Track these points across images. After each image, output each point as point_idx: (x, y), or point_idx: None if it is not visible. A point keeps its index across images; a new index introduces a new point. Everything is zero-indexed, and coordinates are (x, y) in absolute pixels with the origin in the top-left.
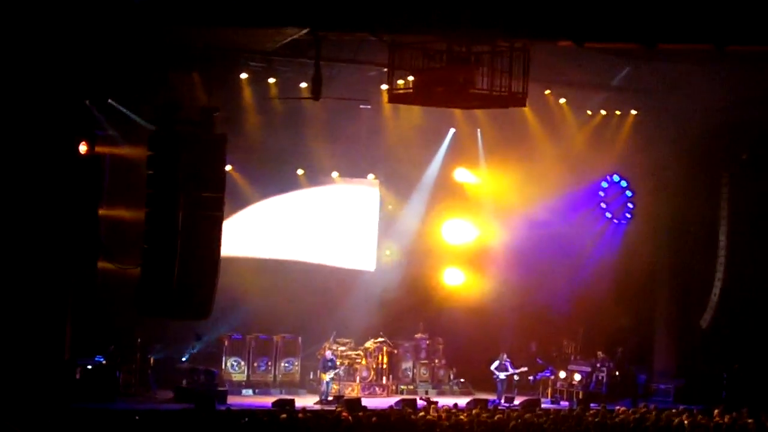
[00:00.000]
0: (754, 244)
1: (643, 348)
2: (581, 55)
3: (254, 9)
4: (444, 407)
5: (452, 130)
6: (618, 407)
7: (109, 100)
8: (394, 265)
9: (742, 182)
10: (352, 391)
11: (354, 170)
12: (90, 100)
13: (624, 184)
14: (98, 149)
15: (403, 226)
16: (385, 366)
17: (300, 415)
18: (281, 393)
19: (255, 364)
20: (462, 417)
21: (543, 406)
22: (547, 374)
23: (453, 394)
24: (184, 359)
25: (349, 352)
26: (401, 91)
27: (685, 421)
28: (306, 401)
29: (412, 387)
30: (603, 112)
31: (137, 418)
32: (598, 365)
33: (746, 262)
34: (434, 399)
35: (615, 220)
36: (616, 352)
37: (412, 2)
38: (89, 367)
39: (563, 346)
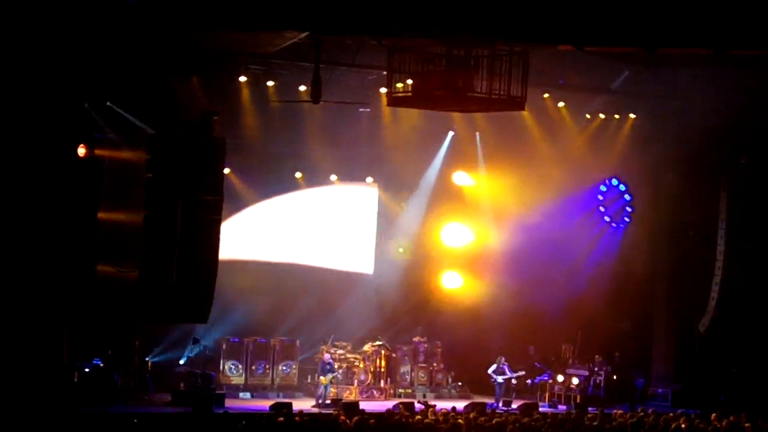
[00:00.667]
0: (752, 249)
1: (641, 352)
2: (581, 59)
3: (254, 12)
4: (442, 411)
5: (451, 134)
6: (616, 411)
7: (109, 104)
8: (398, 262)
9: (741, 187)
10: (349, 394)
11: (353, 173)
12: (89, 103)
13: (622, 188)
14: (97, 152)
15: (402, 230)
16: (383, 369)
17: (297, 418)
18: (279, 396)
19: (253, 368)
20: (460, 420)
21: (541, 409)
22: (545, 378)
23: (451, 397)
24: (181, 362)
25: (347, 356)
26: (400, 95)
27: (683, 425)
28: (303, 404)
29: (410, 390)
30: (602, 116)
31: (135, 421)
32: (596, 369)
33: (744, 266)
34: (432, 402)
35: (613, 224)
36: (614, 356)
37: (412, 6)
38: (87, 370)
39: (561, 350)
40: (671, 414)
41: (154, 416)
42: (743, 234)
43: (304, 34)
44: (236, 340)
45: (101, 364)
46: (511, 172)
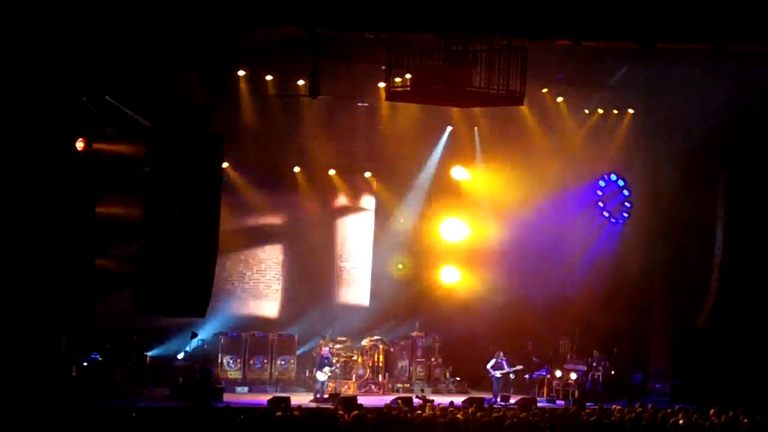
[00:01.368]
0: (750, 245)
1: (639, 347)
2: (579, 54)
3: (252, 7)
4: (440, 405)
5: (449, 128)
6: (614, 406)
7: (107, 97)
8: (396, 257)
9: (739, 183)
10: (347, 389)
11: (351, 168)
12: (87, 97)
13: (621, 183)
14: (95, 146)
15: (400, 224)
16: (381, 364)
17: (296, 413)
18: (277, 391)
19: (251, 362)
20: (458, 415)
21: (539, 405)
22: (543, 373)
23: (449, 392)
24: (180, 357)
25: (345, 351)
26: (399, 89)
27: (681, 421)
28: (301, 399)
29: (408, 385)
30: (600, 111)
31: (134, 415)
32: (594, 364)
33: (742, 262)
34: (430, 397)
35: (612, 220)
36: (612, 352)
37: (410, 0)
38: (85, 364)
39: (559, 345)
40: (669, 409)
41: (152, 410)
42: (741, 229)
43: (302, 29)
44: (235, 334)
45: (99, 359)
46: (510, 167)
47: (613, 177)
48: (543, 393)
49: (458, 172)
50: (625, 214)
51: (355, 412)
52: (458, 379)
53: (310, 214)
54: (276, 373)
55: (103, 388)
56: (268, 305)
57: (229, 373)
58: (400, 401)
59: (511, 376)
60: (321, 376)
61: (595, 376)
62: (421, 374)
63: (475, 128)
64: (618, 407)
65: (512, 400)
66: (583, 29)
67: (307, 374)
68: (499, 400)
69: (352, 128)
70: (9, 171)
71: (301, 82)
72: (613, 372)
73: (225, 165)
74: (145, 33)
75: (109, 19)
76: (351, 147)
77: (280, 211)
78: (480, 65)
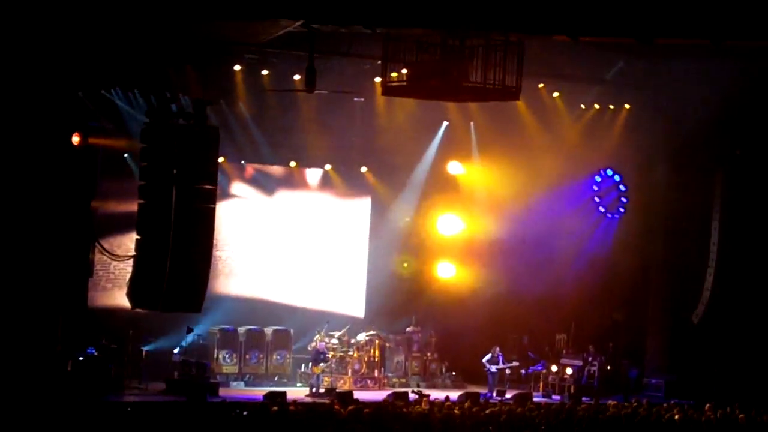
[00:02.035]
0: (746, 240)
1: (635, 342)
2: (575, 49)
3: (248, 1)
4: (436, 400)
5: (445, 123)
6: (609, 401)
7: (102, 92)
8: (391, 252)
9: (736, 178)
10: (343, 384)
11: (347, 162)
12: (83, 91)
13: (617, 178)
14: (91, 141)
15: (396, 219)
16: (377, 359)
17: (291, 407)
18: (273, 385)
19: (247, 357)
20: (454, 410)
21: (535, 399)
22: (539, 368)
23: (445, 387)
24: (176, 351)
25: (341, 345)
26: (395, 84)
27: (677, 416)
28: (297, 394)
29: (404, 380)
30: (596, 106)
31: (129, 410)
32: (590, 359)
33: (738, 257)
34: (426, 392)
35: (608, 215)
36: (608, 347)
37: None
38: (81, 359)
39: (555, 340)
40: (665, 405)
41: (148, 405)
42: (737, 225)
43: (298, 23)
44: (230, 329)
45: (95, 353)
46: (506, 162)
47: (609, 172)
48: (539, 388)
49: (454, 167)
50: (621, 209)
51: (351, 407)
52: (454, 373)
53: (306, 208)
54: (272, 368)
55: (98, 383)
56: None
57: (224, 367)
58: (395, 396)
59: (507, 371)
60: (316, 370)
61: (591, 371)
62: (417, 369)
63: (472, 123)
64: (613, 402)
65: (508, 395)
66: (579, 24)
67: (303, 369)
68: (494, 394)
69: (348, 123)
70: (4, 166)
71: (297, 77)
72: (608, 367)
73: (221, 159)
74: (140, 27)
75: (104, 13)
76: (347, 142)
77: (276, 205)
78: (476, 60)
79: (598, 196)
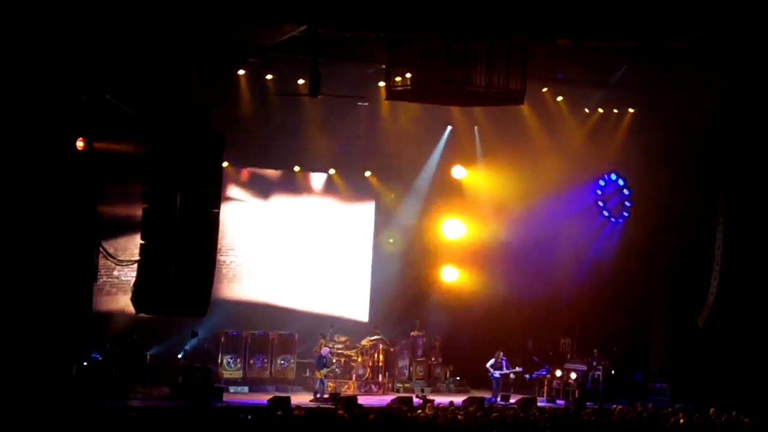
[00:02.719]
0: (750, 244)
1: (639, 347)
2: (579, 53)
3: (253, 6)
4: (440, 405)
5: (449, 128)
6: (614, 406)
7: (107, 96)
8: (395, 256)
9: (739, 182)
10: (347, 388)
11: (351, 167)
12: (88, 96)
13: (621, 182)
14: (96, 145)
15: (400, 223)
16: (381, 364)
17: (295, 412)
18: (277, 390)
19: (251, 361)
20: (458, 415)
21: (539, 404)
22: (543, 373)
23: (449, 392)
24: (180, 356)
25: (345, 350)
26: (399, 88)
27: (681, 420)
28: (301, 399)
29: (408, 385)
30: (600, 111)
31: (134, 414)
32: (595, 364)
33: (742, 261)
34: (430, 397)
35: (612, 219)
36: (612, 351)
37: (411, 0)
38: (85, 363)
39: (560, 345)
40: (669, 409)
41: (152, 410)
42: (741, 229)
43: (302, 28)
44: (234, 333)
45: (99, 358)
46: (510, 166)
47: (613, 176)
48: (543, 392)
49: (458, 171)
50: (625, 213)
51: (356, 412)
52: (458, 378)
53: (310, 213)
54: (276, 373)
55: (103, 388)
56: (267, 304)
57: (229, 372)
58: (399, 401)
59: (511, 376)
60: (320, 375)
61: (595, 376)
62: (421, 374)
63: (476, 127)
64: (618, 407)
65: (512, 400)
66: (583, 28)
67: (307, 374)
68: (499, 399)
69: (353, 127)
70: (9, 170)
71: (301, 81)
72: (613, 371)
73: (225, 164)
74: (145, 32)
75: (109, 18)
76: (351, 146)
77: (280, 210)
78: (480, 64)
79: (602, 200)
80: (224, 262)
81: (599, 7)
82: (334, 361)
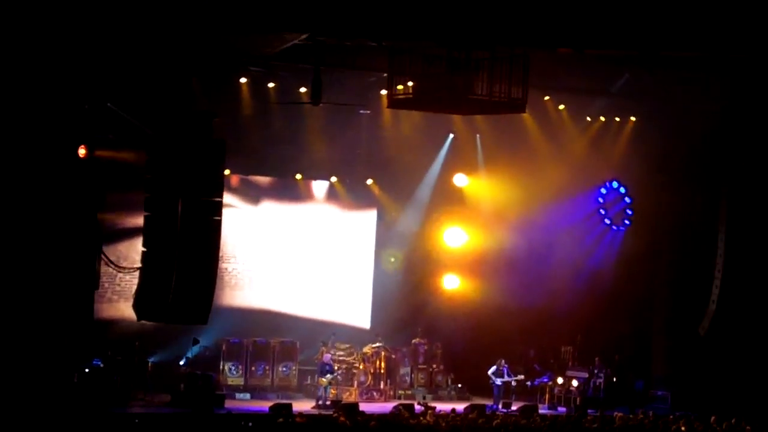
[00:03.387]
0: (752, 252)
1: (640, 354)
2: (581, 61)
3: (254, 14)
4: (442, 412)
5: (451, 136)
6: (615, 413)
7: (109, 104)
8: (397, 272)
9: (741, 189)
10: (349, 395)
11: (353, 175)
12: (90, 104)
13: (623, 190)
14: (97, 153)
15: (402, 231)
16: (382, 371)
17: (297, 419)
18: (278, 397)
19: (252, 369)
20: (459, 422)
21: (540, 411)
22: (545, 380)
23: (451, 399)
24: (181, 363)
25: (347, 357)
26: (401, 97)
27: (683, 428)
28: (303, 406)
29: (409, 392)
30: (602, 119)
31: (137, 421)
32: (596, 371)
33: (744, 269)
34: (432, 404)
35: (614, 227)
36: (613, 358)
37: (412, 8)
38: (87, 370)
39: (561, 352)
40: (671, 416)
41: (153, 417)
42: (743, 237)
43: (304, 36)
44: (236, 341)
45: (101, 365)
46: (512, 175)
47: (615, 184)
48: (544, 400)
49: (460, 180)
50: (627, 221)
51: (357, 419)
52: (460, 385)
53: (312, 220)
54: (278, 380)
55: (104, 395)
56: (269, 311)
57: (230, 379)
58: (401, 408)
59: (513, 383)
60: (323, 382)
61: (597, 383)
62: (423, 381)
63: (477, 136)
64: (619, 414)
65: (514, 407)
66: (584, 37)
67: (309, 381)
68: (500, 406)
69: (354, 135)
70: (11, 178)
71: (303, 90)
72: (614, 379)
73: (227, 172)
74: (147, 40)
75: (111, 26)
76: (353, 154)
77: (281, 218)
78: (482, 73)
79: (603, 208)
80: (226, 269)
81: (600, 15)
82: (336, 368)
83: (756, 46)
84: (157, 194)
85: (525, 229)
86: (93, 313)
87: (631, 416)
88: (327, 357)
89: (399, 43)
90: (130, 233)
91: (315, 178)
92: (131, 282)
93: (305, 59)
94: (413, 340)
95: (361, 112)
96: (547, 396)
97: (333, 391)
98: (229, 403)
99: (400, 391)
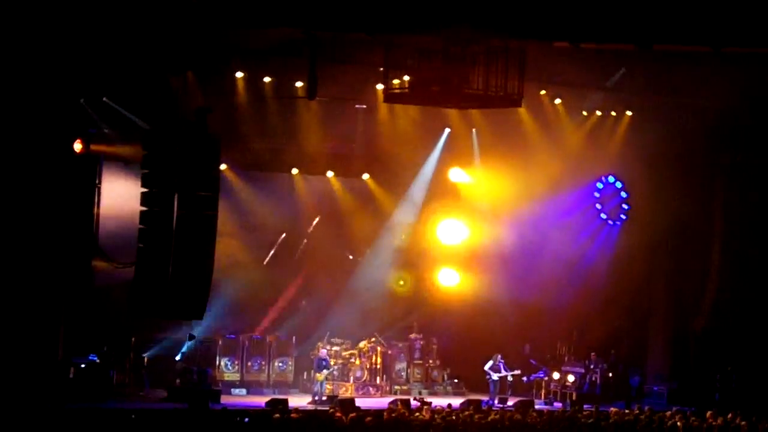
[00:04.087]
0: (747, 247)
1: (636, 350)
2: (577, 55)
3: (250, 9)
4: (437, 408)
5: (447, 130)
6: (611, 409)
7: (104, 99)
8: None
9: (737, 184)
10: (345, 391)
11: (349, 170)
12: (85, 98)
13: (619, 185)
14: (93, 148)
15: (398, 226)
16: (378, 366)
17: (293, 414)
18: (274, 393)
19: (249, 364)
20: (455, 417)
21: (536, 407)
22: (541, 375)
23: (447, 394)
24: (177, 358)
25: (343, 353)
26: (397, 91)
27: (678, 423)
28: (299, 401)
29: (405, 387)
30: (598, 113)
31: (133, 417)
32: (592, 367)
33: (740, 265)
34: (428, 399)
35: (610, 222)
36: (610, 354)
37: (408, 2)
38: (83, 366)
39: (557, 348)
40: (667, 412)
41: (149, 412)
42: (739, 232)
43: (299, 30)
44: (232, 336)
45: (97, 360)
46: (508, 169)
47: (611, 179)
48: (540, 395)
49: (456, 174)
50: (623, 216)
51: (353, 415)
52: (456, 381)
53: (308, 216)
54: (274, 375)
55: (100, 390)
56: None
57: (226, 374)
58: (397, 403)
59: (509, 378)
60: (319, 378)
61: (593, 379)
62: (419, 376)
63: (473, 130)
64: (615, 409)
65: (510, 402)
66: (580, 31)
67: (305, 376)
68: (496, 402)
69: (350, 130)
70: (6, 172)
71: (298, 84)
72: (610, 374)
73: (222, 167)
74: (142, 35)
75: (106, 20)
76: (349, 149)
77: (277, 213)
78: (478, 67)
79: (599, 203)
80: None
81: (596, 9)
82: (332, 363)
83: (753, 40)
84: (152, 189)
85: (521, 224)
86: (89, 308)
87: (627, 411)
88: (323, 352)
89: (395, 37)
90: (126, 228)
91: (311, 173)
92: (127, 277)
93: (301, 54)
94: (409, 336)
95: (357, 106)
96: (543, 391)
97: (329, 387)
98: (225, 399)
99: (396, 387)
